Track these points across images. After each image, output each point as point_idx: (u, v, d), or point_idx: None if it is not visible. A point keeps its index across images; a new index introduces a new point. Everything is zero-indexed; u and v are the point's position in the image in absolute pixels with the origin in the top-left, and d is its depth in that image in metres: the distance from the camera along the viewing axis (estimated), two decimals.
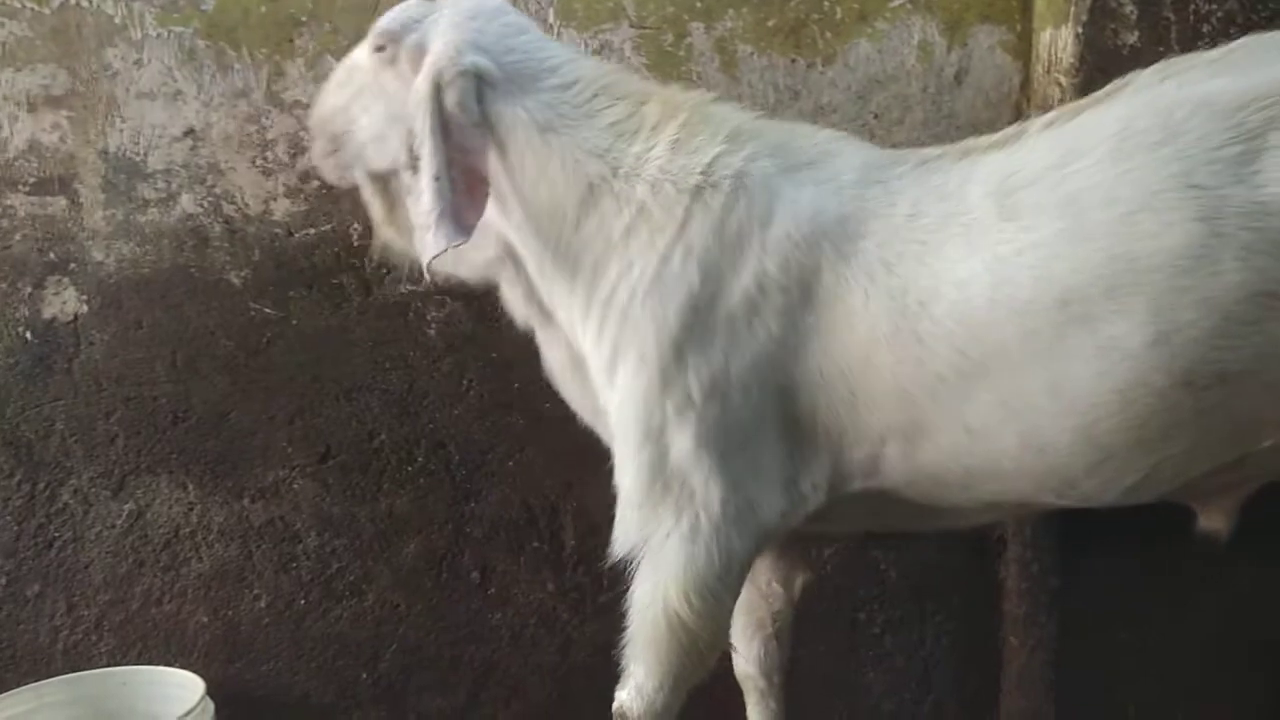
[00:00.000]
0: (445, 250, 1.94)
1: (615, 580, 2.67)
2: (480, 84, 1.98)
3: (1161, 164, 1.78)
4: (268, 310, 2.69)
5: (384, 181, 2.18)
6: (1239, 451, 1.89)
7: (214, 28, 2.60)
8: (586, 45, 2.57)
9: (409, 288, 2.65)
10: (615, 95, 2.05)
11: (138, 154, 2.64)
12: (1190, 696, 2.36)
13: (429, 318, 2.70)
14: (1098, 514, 2.20)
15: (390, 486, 2.74)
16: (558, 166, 2.01)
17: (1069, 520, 2.35)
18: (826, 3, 2.51)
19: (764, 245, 1.94)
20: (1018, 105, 2.48)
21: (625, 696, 2.06)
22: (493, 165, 2.00)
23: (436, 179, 1.93)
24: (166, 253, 2.66)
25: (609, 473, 2.62)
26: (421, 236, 1.99)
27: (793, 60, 2.49)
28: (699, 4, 2.55)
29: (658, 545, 2.00)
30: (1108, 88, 1.92)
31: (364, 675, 2.78)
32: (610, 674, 2.65)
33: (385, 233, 2.26)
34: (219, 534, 2.74)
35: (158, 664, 2.71)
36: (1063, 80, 2.29)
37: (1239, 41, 1.92)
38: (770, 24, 2.52)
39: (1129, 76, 1.91)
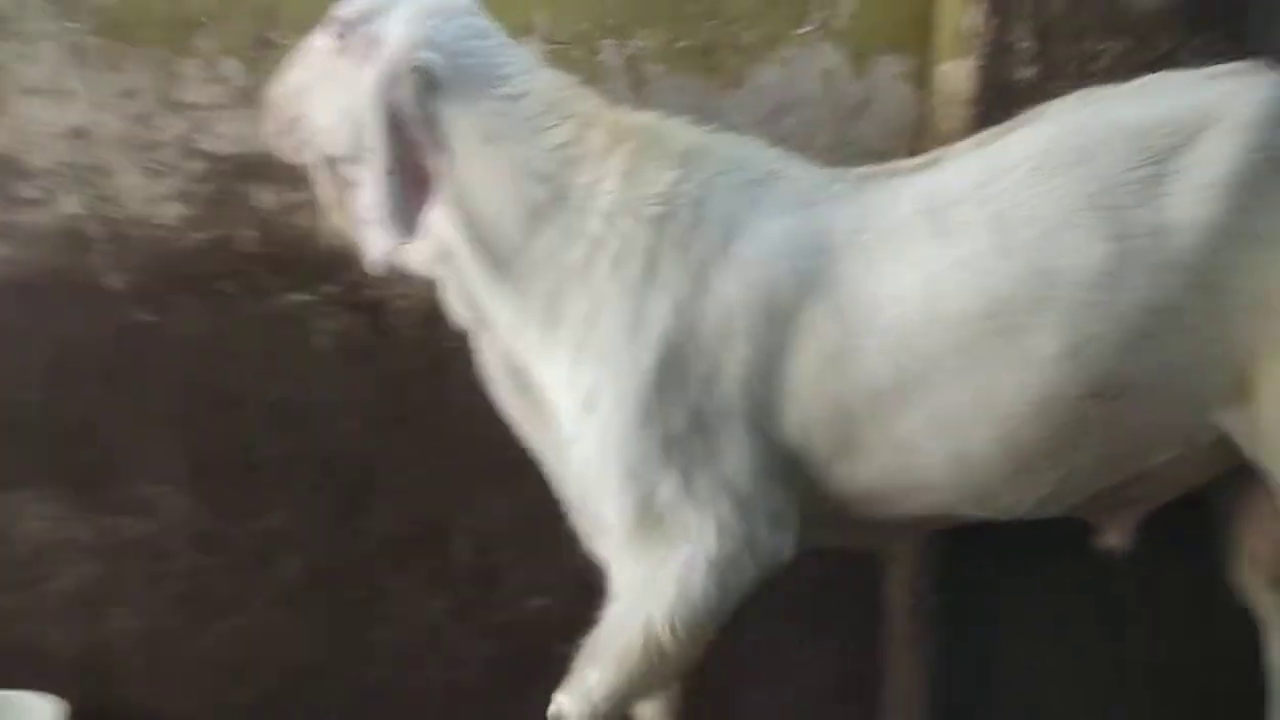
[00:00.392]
0: (390, 248, 1.93)
1: (508, 599, 2.66)
2: (430, 83, 1.95)
3: (1078, 184, 1.90)
4: (149, 317, 2.60)
5: (337, 166, 2.14)
6: (1140, 465, 1.99)
7: (109, 25, 2.51)
8: None
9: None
10: (563, 114, 2.03)
11: (19, 152, 2.52)
12: (1073, 717, 2.40)
13: (320, 329, 2.63)
14: (983, 531, 2.26)
15: (271, 502, 2.65)
16: (503, 180, 2.00)
17: (954, 538, 2.39)
18: (736, 27, 2.53)
19: (727, 269, 1.95)
20: (918, 135, 2.54)
21: (567, 701, 2.03)
22: (440, 166, 1.97)
23: (388, 174, 1.91)
24: (44, 255, 2.54)
25: (505, 489, 2.63)
26: (368, 231, 1.96)
27: (704, 81, 2.51)
28: (611, 21, 2.55)
29: (650, 571, 1.97)
30: (1022, 116, 2.03)
31: (238, 698, 2.68)
32: (501, 694, 2.64)
33: (335, 218, 2.22)
34: (86, 550, 2.61)
35: (18, 687, 2.54)
36: (960, 112, 2.35)
37: (1149, 76, 2.06)
38: (681, 45, 2.54)
39: (1050, 103, 2.03)
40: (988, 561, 2.38)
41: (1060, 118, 2.00)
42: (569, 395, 1.99)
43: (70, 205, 2.54)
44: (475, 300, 2.11)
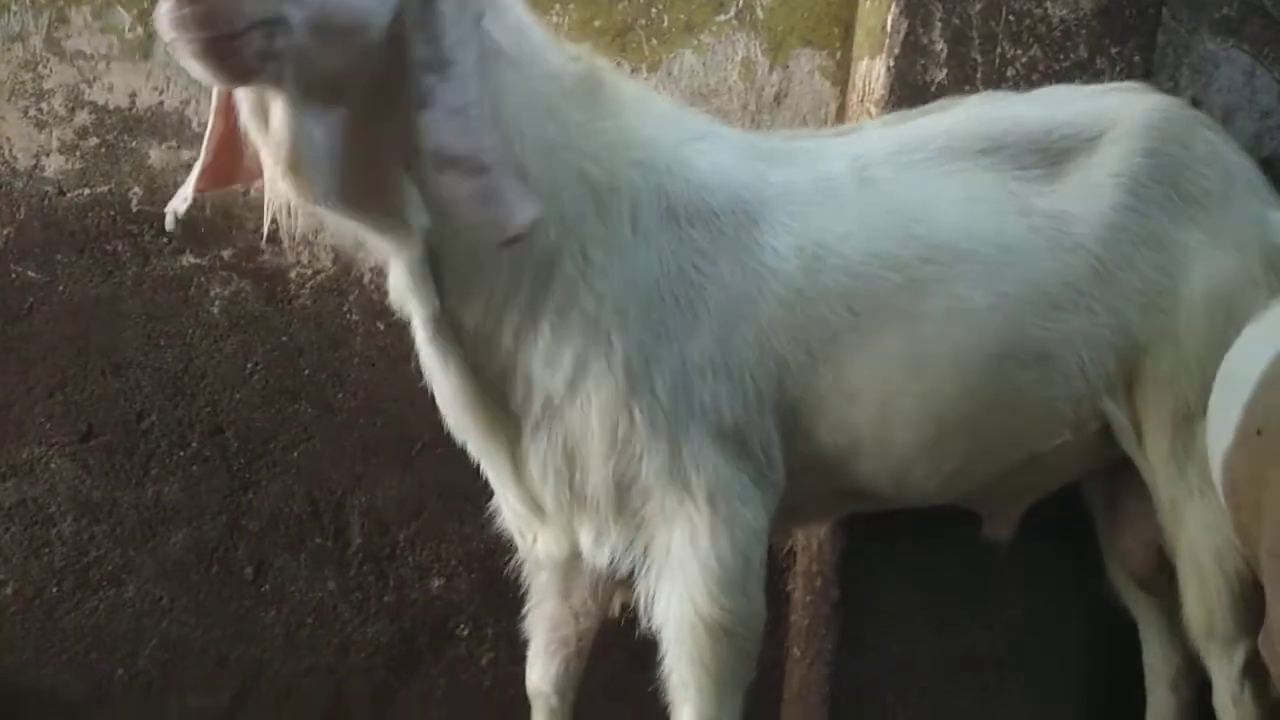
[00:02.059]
0: (526, 219, 1.65)
1: (402, 580, 2.63)
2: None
3: (985, 170, 2.03)
4: (31, 274, 2.50)
5: (330, 94, 1.63)
6: (1036, 446, 2.08)
7: None
8: None
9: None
10: (556, 41, 1.91)
11: None
12: (962, 715, 2.47)
13: (212, 294, 2.55)
14: (880, 526, 2.30)
15: (159, 472, 2.58)
16: (523, 103, 1.77)
17: (852, 532, 2.43)
18: (654, 9, 2.50)
19: (690, 220, 1.91)
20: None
21: None
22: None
23: (473, 105, 1.62)
24: None
25: (402, 467, 2.59)
26: (455, 180, 1.63)
27: (618, 63, 2.46)
28: None
29: (662, 553, 1.93)
30: (930, 105, 2.17)
31: (120, 671, 2.61)
32: (390, 676, 2.62)
33: (299, 183, 1.65)
34: None
35: None
36: (873, 110, 2.36)
37: (1046, 88, 2.21)
38: (597, 24, 2.50)
39: (949, 99, 2.17)
40: (882, 557, 2.43)
41: (966, 111, 2.11)
42: (548, 374, 1.87)
43: None
44: (428, 279, 1.83)
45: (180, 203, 1.89)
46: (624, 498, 1.91)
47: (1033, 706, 2.45)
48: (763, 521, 1.97)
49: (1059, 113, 2.09)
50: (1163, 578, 2.21)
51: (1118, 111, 2.09)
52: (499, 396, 1.90)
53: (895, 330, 1.97)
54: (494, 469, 2.02)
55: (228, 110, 1.75)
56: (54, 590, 2.58)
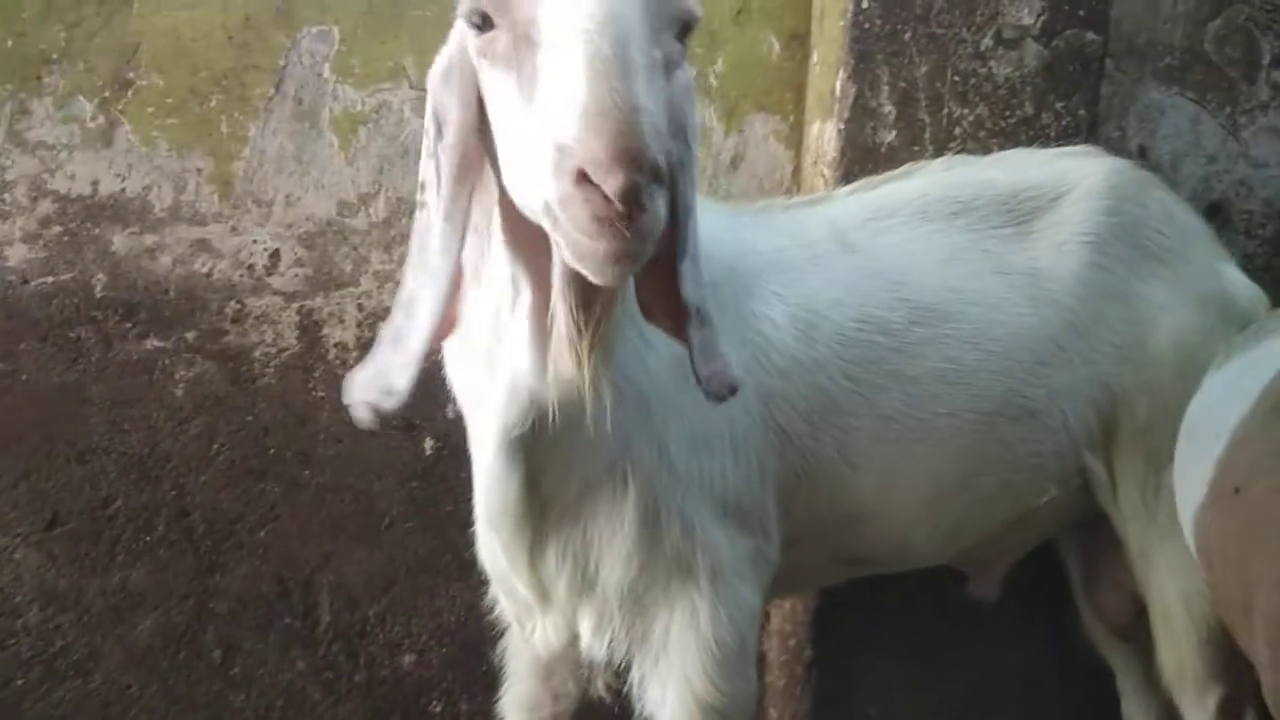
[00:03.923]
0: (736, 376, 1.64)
1: (372, 658, 2.60)
2: None
3: (959, 231, 2.07)
4: None
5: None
6: (1027, 504, 2.10)
7: None
8: (364, 104, 2.51)
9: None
10: None
11: None
12: None
13: (176, 377, 2.54)
14: (854, 584, 2.29)
15: (125, 558, 2.55)
16: None
17: (825, 592, 2.42)
18: None
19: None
20: (790, 192, 2.57)
21: None
22: None
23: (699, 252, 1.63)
24: None
25: (371, 542, 2.57)
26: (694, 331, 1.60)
27: None
28: None
29: (660, 637, 1.85)
30: (893, 172, 2.18)
31: None
32: None
33: (602, 357, 1.58)
34: None
35: None
36: (826, 172, 2.39)
37: (1005, 152, 2.27)
38: None
39: (915, 164, 2.19)
40: (856, 616, 2.41)
41: (932, 176, 2.14)
42: (591, 454, 1.77)
43: None
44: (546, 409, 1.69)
45: (391, 398, 1.60)
46: (635, 581, 1.83)
47: None
48: (759, 600, 1.94)
49: (1022, 176, 2.14)
50: (1142, 625, 2.20)
51: (1077, 173, 2.15)
52: (534, 485, 1.79)
53: (892, 394, 1.97)
54: (509, 557, 1.88)
55: (458, 274, 1.63)
56: (20, 681, 2.54)
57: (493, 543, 1.90)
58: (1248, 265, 2.37)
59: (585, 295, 1.50)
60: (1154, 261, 2.14)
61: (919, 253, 2.04)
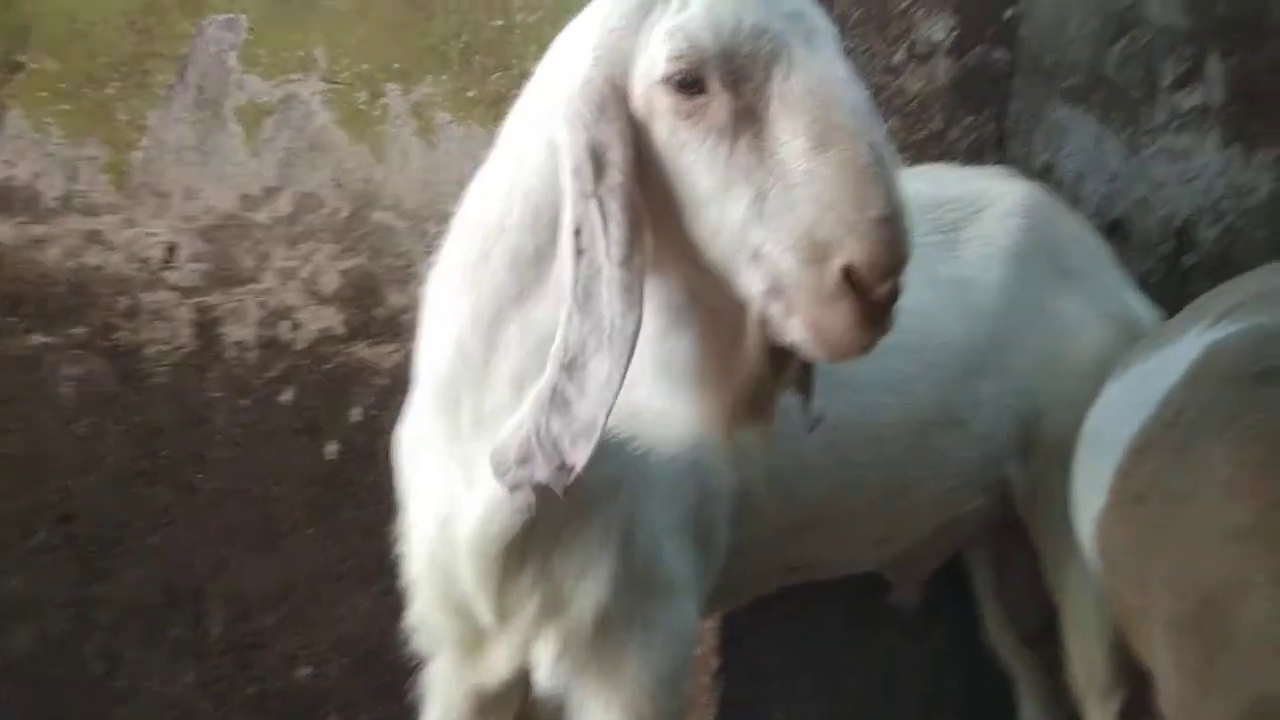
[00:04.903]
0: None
1: (267, 670, 2.51)
2: None
3: None
4: None
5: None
6: (956, 510, 2.15)
7: None
8: (270, 95, 2.44)
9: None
10: None
11: None
12: None
13: (63, 374, 2.44)
14: (758, 596, 2.28)
15: (2, 564, 2.43)
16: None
17: (736, 622, 2.41)
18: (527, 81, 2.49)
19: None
20: None
21: None
22: None
23: None
24: None
25: (268, 551, 2.48)
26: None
27: (493, 132, 2.45)
28: (396, 65, 2.48)
29: (612, 658, 1.75)
30: None
31: None
32: None
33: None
34: None
35: None
36: None
37: (923, 167, 2.34)
38: (470, 94, 2.49)
39: None
40: (761, 621, 2.40)
41: None
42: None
43: None
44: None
45: (567, 476, 1.46)
46: (609, 602, 1.73)
47: None
48: (698, 615, 1.90)
49: (943, 190, 2.21)
50: (1049, 633, 2.25)
51: (994, 191, 2.23)
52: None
53: (843, 403, 1.93)
54: (479, 577, 1.74)
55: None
56: None
57: (450, 561, 1.76)
58: (1144, 282, 2.44)
59: (779, 359, 1.47)
60: (1069, 279, 2.22)
61: None
